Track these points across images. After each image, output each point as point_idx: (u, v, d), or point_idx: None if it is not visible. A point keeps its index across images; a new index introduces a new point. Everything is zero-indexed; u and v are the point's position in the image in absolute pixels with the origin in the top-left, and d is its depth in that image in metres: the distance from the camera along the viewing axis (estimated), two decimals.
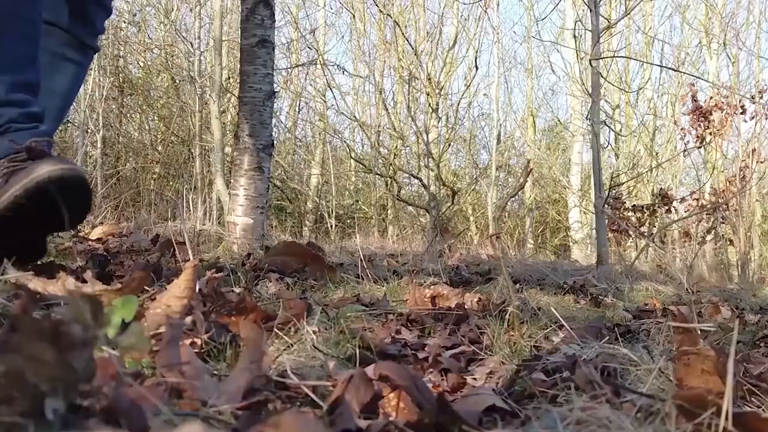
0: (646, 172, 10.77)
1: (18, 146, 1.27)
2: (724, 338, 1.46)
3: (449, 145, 10.39)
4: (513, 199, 11.20)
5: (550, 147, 13.30)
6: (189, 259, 1.18)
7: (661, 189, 9.00)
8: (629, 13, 7.90)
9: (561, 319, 1.11)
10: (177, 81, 9.33)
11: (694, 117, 8.30)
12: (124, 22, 8.96)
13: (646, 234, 7.79)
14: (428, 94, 9.14)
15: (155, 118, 9.30)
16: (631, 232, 7.96)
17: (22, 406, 0.39)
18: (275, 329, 0.90)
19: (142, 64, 9.41)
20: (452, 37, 9.94)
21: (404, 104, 9.68)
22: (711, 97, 8.43)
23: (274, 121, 4.19)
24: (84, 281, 1.33)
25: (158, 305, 0.91)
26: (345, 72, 10.29)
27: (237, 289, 1.48)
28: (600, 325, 1.18)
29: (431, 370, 0.89)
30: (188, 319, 0.90)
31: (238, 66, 3.51)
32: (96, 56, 8.05)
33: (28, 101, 1.37)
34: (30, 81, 1.38)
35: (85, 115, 7.46)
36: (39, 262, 1.90)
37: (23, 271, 1.17)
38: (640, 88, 11.88)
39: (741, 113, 8.25)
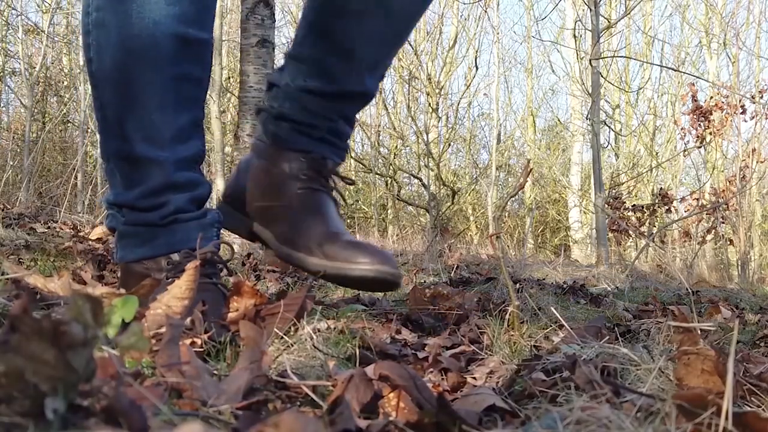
0: (646, 172, 10.77)
1: (196, 252, 1.10)
2: (724, 338, 1.46)
3: (449, 145, 10.40)
4: (513, 199, 11.20)
5: (550, 147, 13.31)
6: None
7: (661, 189, 9.00)
8: (629, 13, 7.90)
9: (561, 319, 1.11)
10: None
11: (694, 117, 8.30)
12: None
13: (646, 234, 7.79)
14: (428, 94, 9.14)
15: None
16: (631, 232, 7.96)
17: (22, 406, 0.39)
18: (275, 329, 0.90)
19: None
20: (452, 37, 9.94)
21: (404, 104, 9.69)
22: (711, 97, 8.43)
23: None
24: (83, 281, 1.33)
25: (159, 305, 0.91)
26: None
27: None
28: (600, 325, 1.18)
29: (431, 369, 0.89)
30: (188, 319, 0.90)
31: (238, 66, 3.51)
32: None
33: (195, 180, 1.20)
34: (195, 154, 1.20)
35: (85, 115, 7.46)
36: (37, 263, 1.91)
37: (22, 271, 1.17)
38: (640, 88, 11.89)
39: (741, 113, 8.26)
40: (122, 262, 1.22)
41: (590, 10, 4.96)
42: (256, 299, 1.02)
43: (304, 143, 1.29)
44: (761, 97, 8.45)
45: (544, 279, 2.86)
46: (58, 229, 3.04)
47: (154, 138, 1.17)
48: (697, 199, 8.66)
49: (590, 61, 4.98)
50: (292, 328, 0.93)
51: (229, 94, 8.96)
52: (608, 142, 11.53)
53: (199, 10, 1.18)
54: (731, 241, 7.98)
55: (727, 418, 0.49)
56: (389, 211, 10.38)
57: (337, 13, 1.27)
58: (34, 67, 7.44)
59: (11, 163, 7.07)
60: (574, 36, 7.60)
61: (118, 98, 1.18)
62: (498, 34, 10.60)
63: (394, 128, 9.82)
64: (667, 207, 8.36)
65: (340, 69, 1.27)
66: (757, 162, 8.03)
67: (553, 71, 21.67)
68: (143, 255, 1.18)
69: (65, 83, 8.51)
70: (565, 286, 2.45)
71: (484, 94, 14.94)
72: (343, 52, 1.26)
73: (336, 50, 1.26)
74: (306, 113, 1.29)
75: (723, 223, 8.09)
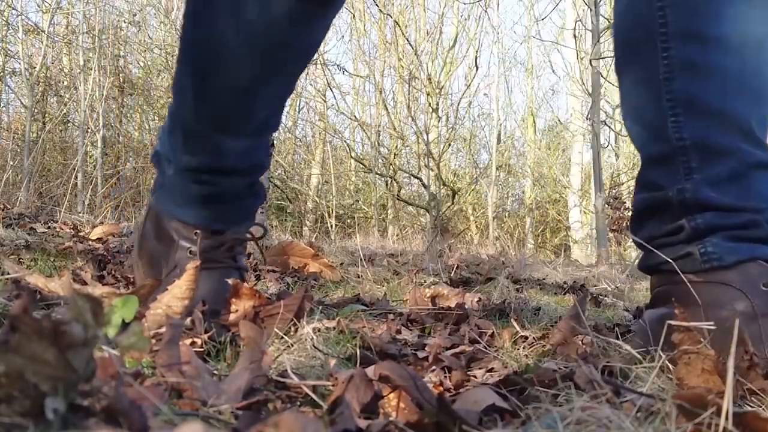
0: None
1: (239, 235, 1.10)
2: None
3: (449, 145, 10.39)
4: (513, 199, 11.21)
5: (550, 147, 13.30)
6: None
7: None
8: None
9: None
10: None
11: None
12: (125, 22, 8.97)
13: None
14: (428, 94, 9.14)
15: (155, 118, 9.30)
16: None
17: (22, 406, 0.39)
18: (276, 329, 0.90)
19: (142, 64, 9.41)
20: (452, 37, 9.95)
21: (404, 104, 9.69)
22: None
23: None
24: (84, 281, 1.33)
25: (159, 305, 0.91)
26: (345, 72, 10.30)
27: None
28: (583, 305, 1.17)
29: (433, 368, 0.89)
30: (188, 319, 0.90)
31: None
32: (96, 56, 7.83)
33: (255, 165, 1.15)
34: (266, 139, 1.16)
35: (85, 115, 7.47)
36: (37, 263, 1.90)
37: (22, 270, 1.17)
38: None
39: None
40: (156, 206, 1.17)
41: (590, 10, 4.97)
42: (254, 300, 1.02)
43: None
44: None
45: (544, 279, 2.86)
46: (58, 229, 3.04)
47: (228, 130, 1.09)
48: None
49: (590, 61, 4.98)
50: (292, 328, 0.93)
51: None
52: (608, 142, 11.51)
53: None
54: None
55: (727, 418, 0.49)
56: (389, 211, 10.38)
57: None
58: (34, 67, 7.44)
59: (11, 163, 7.07)
60: (574, 36, 7.60)
61: (202, 81, 1.07)
62: (498, 34, 10.62)
63: (394, 128, 9.81)
64: None
65: None
66: None
67: (553, 71, 21.63)
68: (179, 216, 1.14)
69: (65, 83, 8.51)
70: (565, 286, 2.45)
71: (485, 94, 14.92)
72: None
73: None
74: None
75: None
